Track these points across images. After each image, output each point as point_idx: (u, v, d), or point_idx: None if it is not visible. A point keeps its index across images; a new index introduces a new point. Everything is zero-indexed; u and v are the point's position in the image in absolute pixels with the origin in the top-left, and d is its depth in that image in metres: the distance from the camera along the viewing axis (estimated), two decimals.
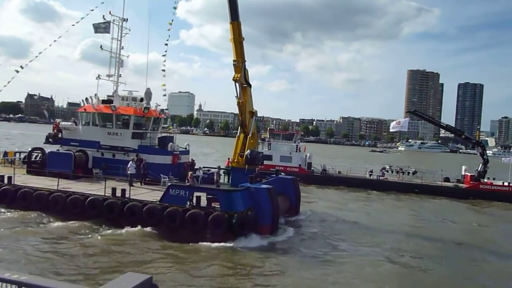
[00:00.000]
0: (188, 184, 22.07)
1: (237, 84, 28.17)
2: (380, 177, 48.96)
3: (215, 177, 24.25)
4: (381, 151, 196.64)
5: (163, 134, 31.88)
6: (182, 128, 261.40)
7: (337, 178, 49.03)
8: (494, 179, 47.39)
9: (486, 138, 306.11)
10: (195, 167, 30.49)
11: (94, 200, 22.24)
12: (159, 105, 31.63)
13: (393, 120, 46.18)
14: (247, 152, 28.46)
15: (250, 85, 29.13)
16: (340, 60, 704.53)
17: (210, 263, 18.06)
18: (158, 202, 21.53)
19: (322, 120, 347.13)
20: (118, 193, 22.75)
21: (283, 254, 20.11)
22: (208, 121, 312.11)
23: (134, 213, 21.40)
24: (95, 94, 33.47)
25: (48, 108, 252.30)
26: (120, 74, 30.73)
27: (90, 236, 20.49)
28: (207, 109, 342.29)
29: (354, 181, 48.43)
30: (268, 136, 56.04)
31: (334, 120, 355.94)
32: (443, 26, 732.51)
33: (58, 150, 32.44)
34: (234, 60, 27.90)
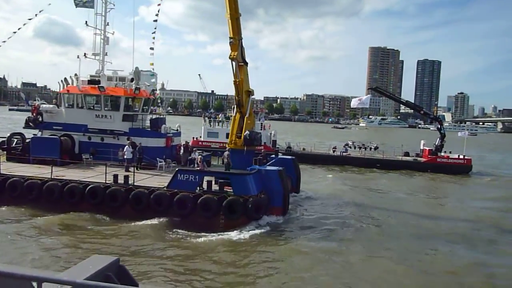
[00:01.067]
0: (198, 168, 21.07)
1: (233, 63, 27.02)
2: (344, 153, 49.64)
3: (225, 160, 23.24)
4: (342, 128, 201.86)
5: (154, 116, 30.38)
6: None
7: (302, 155, 48.39)
8: (450, 152, 49.06)
9: (443, 113, 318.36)
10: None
11: (95, 188, 20.82)
12: (149, 85, 29.97)
13: (355, 97, 46.43)
14: (247, 133, 27.58)
15: (246, 63, 28.05)
16: (303, 37, 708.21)
17: (222, 249, 17.47)
18: (165, 188, 20.45)
19: (286, 98, 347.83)
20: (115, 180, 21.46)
21: (298, 237, 19.69)
22: (171, 100, 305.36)
23: (140, 201, 20.25)
24: (75, 74, 31.36)
25: (1, 88, 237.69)
26: (106, 53, 28.73)
27: (89, 227, 19.26)
28: (170, 88, 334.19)
29: (319, 157, 48.75)
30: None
31: (298, 98, 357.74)
32: (402, 3, 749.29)
33: (35, 135, 30.43)
34: (230, 38, 26.57)
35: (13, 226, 19.05)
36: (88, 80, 28.24)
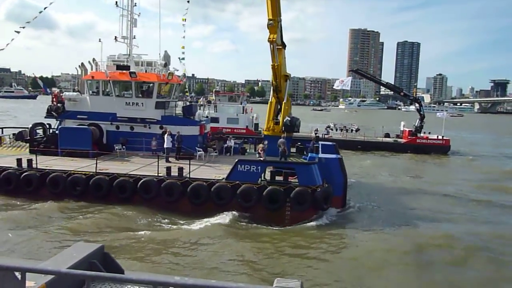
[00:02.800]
0: (260, 158, 20.00)
1: (272, 46, 25.77)
2: (325, 135, 49.01)
3: (281, 148, 22.11)
4: (321, 110, 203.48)
5: (187, 103, 28.94)
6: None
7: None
8: (429, 133, 49.66)
9: (422, 95, 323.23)
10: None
11: (148, 182, 19.50)
12: (177, 70, 28.43)
13: (336, 79, 46.11)
14: (287, 119, 26.60)
15: (285, 46, 26.85)
16: (284, 19, 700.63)
17: (293, 239, 16.70)
18: (225, 180, 19.33)
19: (268, 81, 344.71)
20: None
21: (366, 228, 19.00)
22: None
23: (199, 194, 19.10)
24: (93, 59, 29.56)
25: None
26: (134, 36, 26.92)
27: (148, 223, 18.04)
28: None
29: (302, 140, 48.34)
30: (213, 98, 54.38)
31: None
32: None
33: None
34: (270, 19, 25.19)
35: (57, 225, 17.60)
36: (117, 66, 26.46)
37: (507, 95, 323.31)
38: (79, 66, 30.91)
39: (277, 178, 20.04)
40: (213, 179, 19.48)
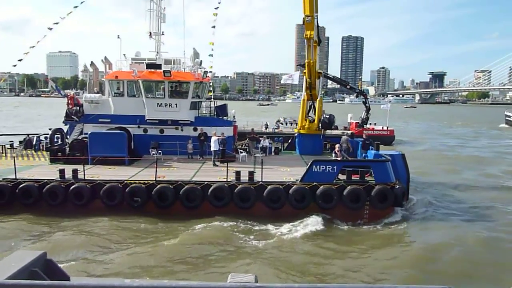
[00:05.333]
0: (337, 158, 19.45)
1: (309, 43, 25.33)
2: (276, 129, 48.79)
3: (346, 145, 21.62)
4: (267, 104, 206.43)
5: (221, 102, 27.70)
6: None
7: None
8: (375, 124, 52.23)
9: (367, 87, 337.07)
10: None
11: (219, 188, 18.31)
12: (204, 68, 27.03)
13: (285, 74, 46.97)
14: (325, 116, 26.38)
15: (320, 42, 26.46)
16: (231, 13, 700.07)
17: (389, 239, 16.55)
18: (300, 182, 18.62)
19: (217, 77, 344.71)
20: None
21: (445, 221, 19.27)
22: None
23: (278, 198, 18.26)
24: (105, 57, 27.62)
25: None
26: (163, 32, 25.16)
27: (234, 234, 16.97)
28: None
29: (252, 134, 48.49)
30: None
31: (228, 76, 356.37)
32: None
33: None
34: (307, 16, 24.77)
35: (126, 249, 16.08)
36: (147, 64, 24.61)
37: (444, 86, 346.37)
38: (89, 65, 28.67)
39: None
40: (289, 182, 18.70)
